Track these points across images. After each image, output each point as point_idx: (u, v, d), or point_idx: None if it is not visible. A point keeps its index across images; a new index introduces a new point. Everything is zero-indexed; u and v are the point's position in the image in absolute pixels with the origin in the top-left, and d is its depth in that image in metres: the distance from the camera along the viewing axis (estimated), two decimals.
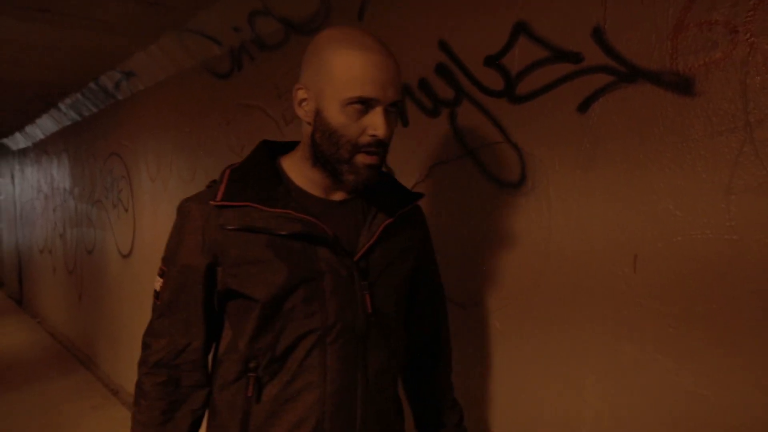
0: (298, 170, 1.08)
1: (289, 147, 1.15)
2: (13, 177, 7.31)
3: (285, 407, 1.04)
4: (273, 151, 1.14)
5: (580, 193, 1.26)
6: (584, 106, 1.23)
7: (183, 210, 1.08)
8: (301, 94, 1.03)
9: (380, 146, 1.01)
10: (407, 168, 1.65)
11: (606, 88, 1.20)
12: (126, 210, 3.54)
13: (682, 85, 1.09)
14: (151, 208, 3.21)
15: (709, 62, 1.06)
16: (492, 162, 1.43)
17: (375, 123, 0.98)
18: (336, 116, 0.98)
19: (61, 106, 4.26)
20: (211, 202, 1.03)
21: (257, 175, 1.07)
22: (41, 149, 5.85)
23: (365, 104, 0.97)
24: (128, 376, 3.80)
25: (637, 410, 1.19)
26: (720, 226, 1.06)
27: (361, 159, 1.01)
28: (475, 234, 1.48)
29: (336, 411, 1.05)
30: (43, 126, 5.24)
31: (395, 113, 1.04)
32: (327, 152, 1.01)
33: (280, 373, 1.05)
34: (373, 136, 0.99)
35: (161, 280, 1.11)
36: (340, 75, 0.96)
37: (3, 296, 7.87)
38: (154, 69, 2.93)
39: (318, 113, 1.01)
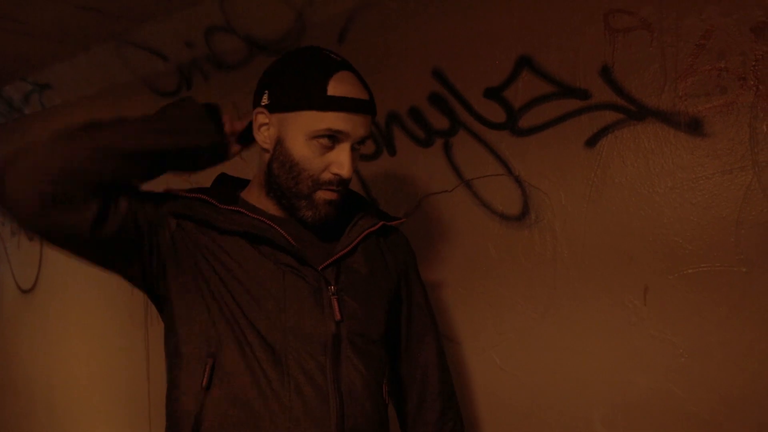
0: (254, 198, 1.03)
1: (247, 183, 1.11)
2: None
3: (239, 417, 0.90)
4: (231, 183, 1.10)
5: (588, 226, 1.28)
6: (592, 141, 1.27)
7: None
8: (261, 118, 0.97)
9: (342, 184, 0.97)
10: (394, 199, 1.59)
11: (615, 124, 1.24)
12: (30, 239, 3.11)
13: (692, 125, 1.15)
14: None
15: (718, 105, 1.12)
16: (491, 194, 1.42)
17: (341, 161, 0.93)
18: (299, 148, 0.93)
19: None
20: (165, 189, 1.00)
21: (218, 189, 1.04)
22: None
23: (332, 139, 0.93)
24: (23, 429, 3.30)
25: None
26: (730, 259, 1.12)
27: (322, 195, 0.96)
28: (472, 267, 1.46)
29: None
30: None
31: (359, 150, 1.00)
32: (284, 185, 0.96)
33: (230, 378, 0.91)
34: (337, 174, 0.94)
35: None
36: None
37: None
38: (78, 82, 2.64)
39: (279, 142, 0.95)
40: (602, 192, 1.26)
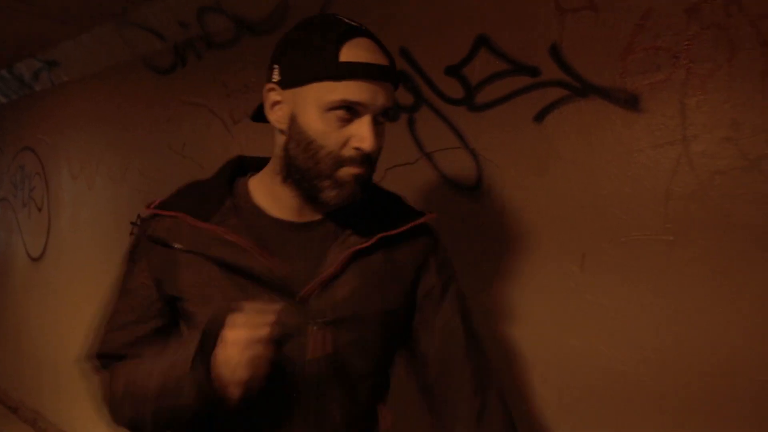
0: (264, 187, 0.95)
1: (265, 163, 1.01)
2: None
3: None
4: (247, 166, 1.02)
5: (533, 197, 1.35)
6: (540, 117, 1.33)
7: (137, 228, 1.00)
8: (273, 96, 0.88)
9: (366, 162, 0.86)
10: None
11: (561, 100, 1.30)
12: (39, 209, 3.28)
13: (630, 102, 1.21)
14: (71, 208, 3.00)
15: (653, 82, 1.19)
16: (449, 166, 1.50)
17: (361, 133, 0.83)
18: (314, 123, 0.83)
19: None
20: (145, 209, 0.93)
21: (207, 188, 0.95)
22: None
23: (351, 111, 0.83)
24: (31, 391, 3.49)
25: (583, 393, 1.28)
26: (659, 228, 1.18)
27: (347, 170, 0.85)
28: None
29: None
30: None
31: (384, 123, 0.89)
32: (303, 166, 0.86)
33: None
34: (358, 149, 0.83)
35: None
36: None
37: None
38: (83, 60, 2.77)
39: (293, 119, 0.86)
40: (548, 165, 1.33)
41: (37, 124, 3.34)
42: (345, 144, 0.84)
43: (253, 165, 1.02)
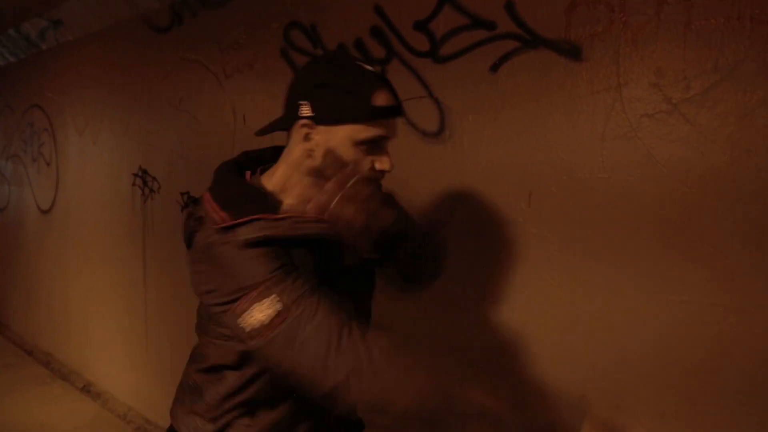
0: (278, 181, 1.08)
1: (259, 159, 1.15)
2: None
3: None
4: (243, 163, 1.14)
5: (488, 141, 1.49)
6: (495, 67, 1.46)
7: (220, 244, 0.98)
8: (306, 130, 1.01)
9: (382, 177, 1.07)
10: None
11: (514, 52, 1.42)
12: (48, 164, 3.45)
13: (573, 52, 1.33)
14: (77, 162, 3.16)
15: (593, 34, 1.30)
16: (416, 114, 1.63)
17: (384, 158, 1.04)
18: (348, 153, 1.00)
19: None
20: (217, 227, 0.98)
21: (248, 193, 1.06)
22: None
23: (375, 142, 1.01)
24: (44, 335, 3.72)
25: (526, 320, 1.44)
26: (595, 167, 1.32)
27: None
28: (398, 178, 1.67)
29: None
30: None
31: None
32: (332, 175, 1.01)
33: None
34: (382, 171, 1.04)
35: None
36: None
37: None
38: (86, 19, 2.89)
39: (328, 149, 1.01)
40: (501, 111, 1.46)
41: (44, 83, 3.48)
42: (370, 167, 1.03)
43: (252, 160, 1.15)
